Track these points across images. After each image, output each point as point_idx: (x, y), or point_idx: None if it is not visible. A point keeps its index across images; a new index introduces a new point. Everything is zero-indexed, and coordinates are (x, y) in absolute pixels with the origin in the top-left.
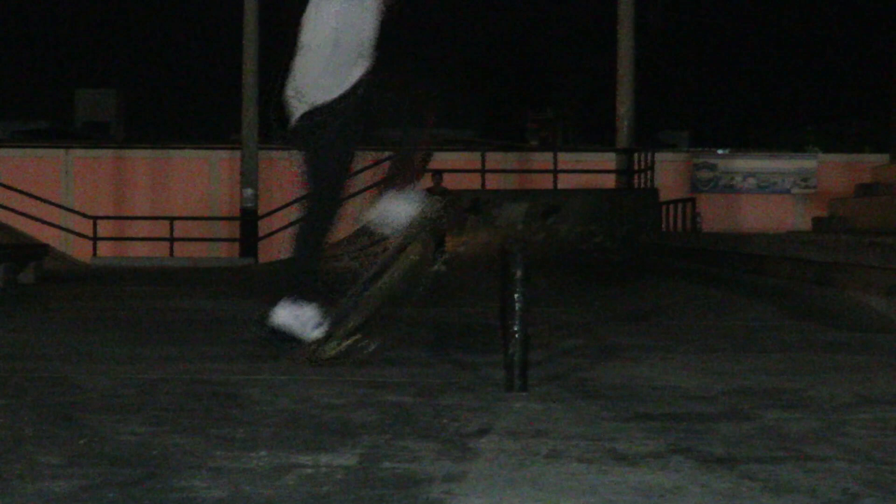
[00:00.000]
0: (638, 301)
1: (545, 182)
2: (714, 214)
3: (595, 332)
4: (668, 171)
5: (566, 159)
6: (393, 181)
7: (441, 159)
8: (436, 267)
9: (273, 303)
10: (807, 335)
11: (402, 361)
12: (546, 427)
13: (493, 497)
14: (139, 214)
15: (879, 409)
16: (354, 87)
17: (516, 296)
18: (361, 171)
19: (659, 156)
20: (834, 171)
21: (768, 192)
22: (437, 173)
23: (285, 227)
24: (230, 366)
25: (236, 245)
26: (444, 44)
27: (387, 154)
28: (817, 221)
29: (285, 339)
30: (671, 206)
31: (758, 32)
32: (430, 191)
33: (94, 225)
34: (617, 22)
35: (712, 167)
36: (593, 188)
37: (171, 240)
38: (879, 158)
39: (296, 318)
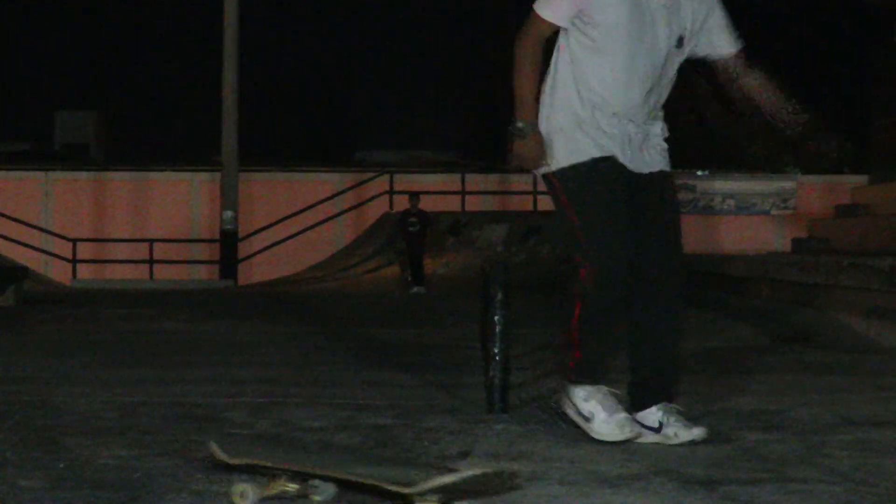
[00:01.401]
0: None
1: (525, 204)
2: (693, 236)
3: None
4: None
5: None
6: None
7: (421, 181)
8: (414, 290)
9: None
10: (787, 356)
11: (381, 383)
12: (527, 449)
13: None
14: (119, 237)
15: (860, 431)
16: None
17: (497, 317)
18: (331, 197)
19: None
20: (813, 192)
21: (747, 213)
22: (414, 195)
23: (265, 249)
24: (211, 388)
25: (216, 267)
26: (425, 66)
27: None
28: (797, 242)
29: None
30: None
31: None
32: (406, 213)
33: (74, 247)
34: None
35: (691, 188)
36: None
37: (151, 262)
38: (858, 179)
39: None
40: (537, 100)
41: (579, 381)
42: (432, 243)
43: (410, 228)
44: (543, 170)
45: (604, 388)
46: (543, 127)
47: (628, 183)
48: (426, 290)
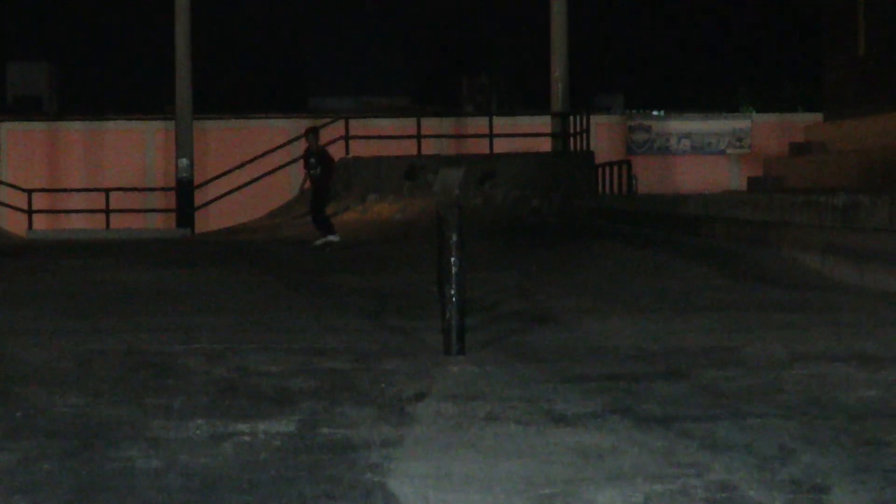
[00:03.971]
0: (575, 264)
1: (481, 147)
2: (650, 176)
3: (532, 295)
4: (604, 134)
5: (501, 124)
6: None
7: (377, 126)
8: (318, 242)
9: None
10: (742, 294)
11: (339, 328)
12: (484, 390)
13: (431, 461)
14: (74, 187)
15: (814, 366)
16: None
17: (452, 260)
18: (286, 144)
19: (594, 118)
20: (768, 130)
21: (703, 152)
22: (312, 130)
23: (221, 197)
24: (167, 336)
25: (172, 216)
26: (377, 11)
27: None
28: (752, 181)
29: None
30: (607, 169)
31: None
32: (307, 152)
33: (29, 198)
34: None
35: (647, 129)
36: (529, 152)
37: (107, 211)
38: (812, 117)
39: None
40: None
41: None
42: (388, 188)
43: (312, 172)
44: None
45: None
46: None
47: None
48: (339, 238)
